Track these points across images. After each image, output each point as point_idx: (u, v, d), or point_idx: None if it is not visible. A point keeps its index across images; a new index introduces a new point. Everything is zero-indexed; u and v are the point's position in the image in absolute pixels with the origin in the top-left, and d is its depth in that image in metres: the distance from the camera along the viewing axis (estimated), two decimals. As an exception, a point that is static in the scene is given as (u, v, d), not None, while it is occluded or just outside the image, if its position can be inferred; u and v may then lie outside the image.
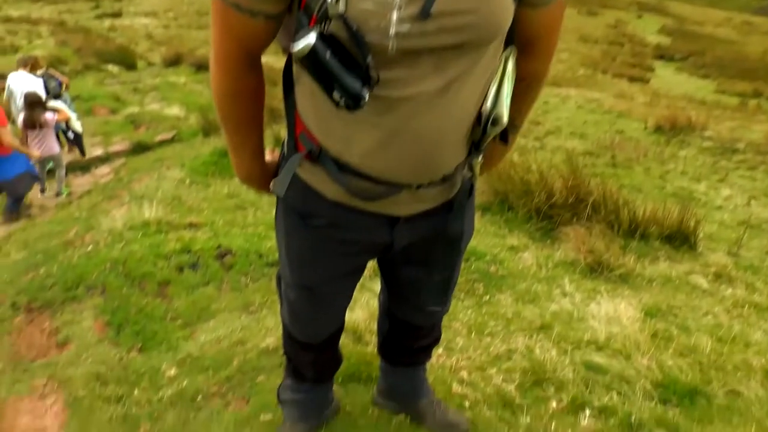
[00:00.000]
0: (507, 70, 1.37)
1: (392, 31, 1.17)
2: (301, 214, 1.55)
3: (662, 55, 24.98)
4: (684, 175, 7.26)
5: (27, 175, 6.90)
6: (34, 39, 20.74)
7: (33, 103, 7.45)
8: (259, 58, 1.42)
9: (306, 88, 1.36)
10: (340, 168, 1.39)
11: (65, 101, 8.75)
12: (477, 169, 1.54)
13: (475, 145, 1.44)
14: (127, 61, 17.71)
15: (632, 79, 18.78)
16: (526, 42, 1.41)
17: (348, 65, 1.17)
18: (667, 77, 21.11)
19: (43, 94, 7.92)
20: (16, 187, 6.78)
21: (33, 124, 7.44)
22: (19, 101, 7.79)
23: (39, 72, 8.58)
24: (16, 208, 6.87)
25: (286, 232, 1.63)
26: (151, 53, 20.04)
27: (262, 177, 1.62)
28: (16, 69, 8.39)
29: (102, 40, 20.12)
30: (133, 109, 12.01)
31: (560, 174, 5.19)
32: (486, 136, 1.40)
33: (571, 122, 10.16)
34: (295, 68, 1.40)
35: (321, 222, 1.53)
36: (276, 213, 1.68)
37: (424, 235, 1.59)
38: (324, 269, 1.65)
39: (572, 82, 16.08)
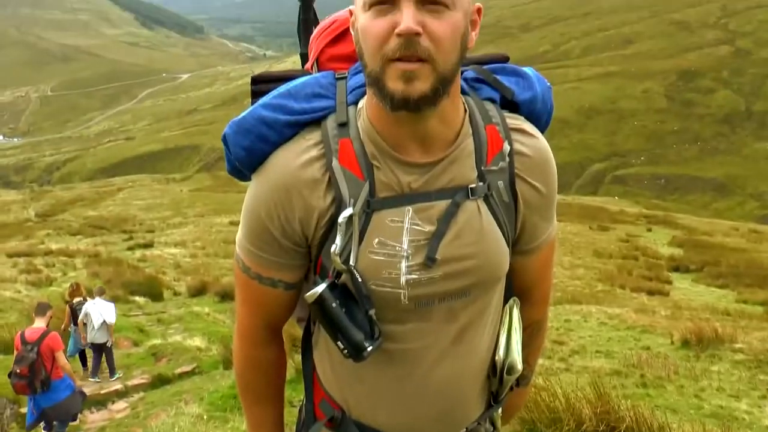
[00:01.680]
0: (513, 320, 1.43)
1: (403, 280, 1.24)
2: None
3: (677, 266, 24.94)
4: (721, 392, 6.93)
5: (76, 393, 7.02)
6: (68, 271, 21.68)
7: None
8: (280, 331, 1.48)
9: (323, 352, 1.41)
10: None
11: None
12: (498, 422, 1.54)
13: (493, 397, 1.45)
14: (154, 291, 18.34)
15: (651, 293, 18.64)
16: (523, 291, 1.49)
17: (353, 316, 1.23)
18: (685, 289, 21.06)
19: (114, 318, 10.13)
20: (69, 408, 6.86)
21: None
22: (96, 322, 9.64)
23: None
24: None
25: None
26: (178, 283, 20.69)
27: None
28: (94, 297, 10.39)
29: (131, 271, 20.90)
30: (156, 341, 12.19)
31: (588, 399, 5.01)
32: (503, 385, 1.42)
33: (595, 340, 10.04)
34: (314, 333, 1.46)
35: None
36: None
37: None
38: None
39: (591, 298, 16.10)
